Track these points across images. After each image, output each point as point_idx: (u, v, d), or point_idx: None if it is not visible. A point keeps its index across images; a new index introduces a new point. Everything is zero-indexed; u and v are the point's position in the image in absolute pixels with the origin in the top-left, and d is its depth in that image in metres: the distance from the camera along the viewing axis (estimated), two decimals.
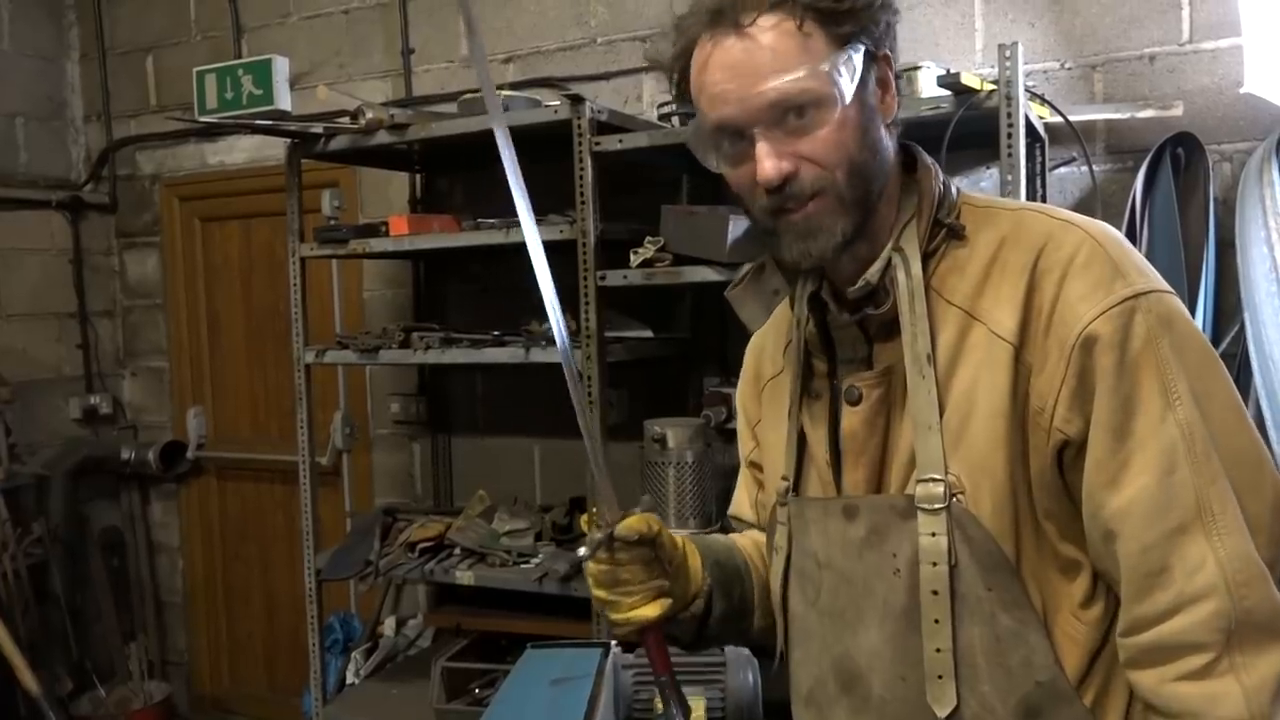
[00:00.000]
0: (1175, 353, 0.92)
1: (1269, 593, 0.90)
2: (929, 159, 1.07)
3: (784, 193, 0.97)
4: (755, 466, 1.29)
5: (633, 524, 1.10)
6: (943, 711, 0.99)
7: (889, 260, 1.01)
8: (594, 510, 1.16)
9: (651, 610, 1.11)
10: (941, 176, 1.06)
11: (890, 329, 1.03)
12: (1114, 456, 0.92)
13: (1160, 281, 0.96)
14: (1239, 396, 0.96)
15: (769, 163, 0.95)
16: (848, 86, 0.95)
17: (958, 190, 1.07)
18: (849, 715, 1.08)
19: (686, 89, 1.04)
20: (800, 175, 0.96)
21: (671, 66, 1.04)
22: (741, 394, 1.32)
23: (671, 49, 1.03)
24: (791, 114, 0.95)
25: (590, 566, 1.12)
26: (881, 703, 1.04)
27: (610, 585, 1.12)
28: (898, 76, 1.04)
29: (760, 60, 0.95)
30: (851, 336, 1.07)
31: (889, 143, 1.03)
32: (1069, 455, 0.96)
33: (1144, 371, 0.92)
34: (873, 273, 1.02)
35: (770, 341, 1.25)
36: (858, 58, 0.96)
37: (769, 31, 0.95)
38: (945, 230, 1.02)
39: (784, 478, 1.14)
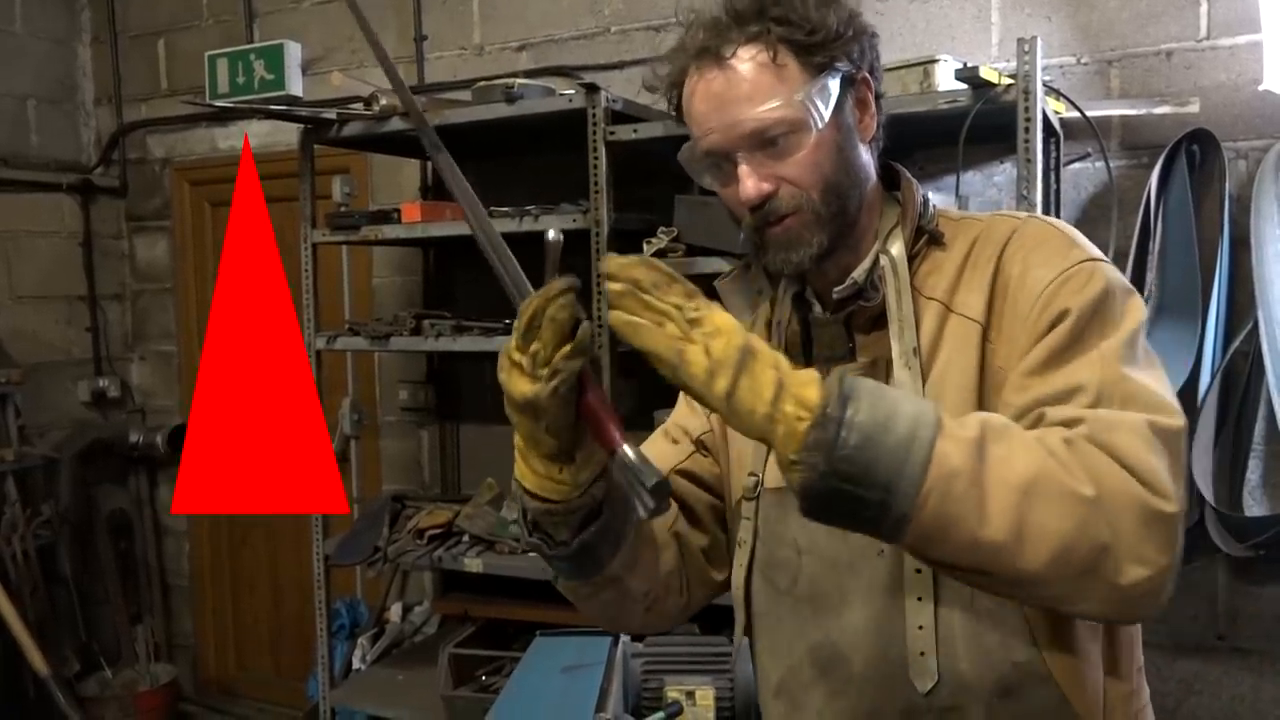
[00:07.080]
0: (1121, 314, 0.98)
1: (1143, 386, 0.94)
2: (909, 174, 1.15)
3: (764, 210, 1.05)
4: (702, 445, 1.24)
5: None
6: (924, 686, 1.03)
7: (876, 260, 1.09)
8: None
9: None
10: (921, 191, 1.14)
11: (875, 323, 1.10)
12: (1034, 375, 0.97)
13: (1109, 263, 1.04)
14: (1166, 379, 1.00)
15: (750, 183, 1.03)
16: (822, 113, 1.02)
17: (934, 206, 1.15)
18: (826, 699, 1.10)
19: (681, 112, 1.11)
20: (779, 195, 1.04)
21: (668, 93, 1.11)
22: None
23: (666, 78, 1.10)
24: (769, 140, 1.03)
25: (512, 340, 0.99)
26: (863, 681, 1.07)
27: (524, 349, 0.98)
28: (879, 96, 1.11)
29: (739, 92, 1.03)
30: (831, 334, 1.13)
31: (867, 159, 1.10)
32: None
33: (1091, 324, 0.97)
34: (859, 273, 1.09)
35: None
36: (833, 84, 1.04)
37: (747, 63, 1.03)
38: (926, 236, 1.11)
39: (751, 474, 1.16)
